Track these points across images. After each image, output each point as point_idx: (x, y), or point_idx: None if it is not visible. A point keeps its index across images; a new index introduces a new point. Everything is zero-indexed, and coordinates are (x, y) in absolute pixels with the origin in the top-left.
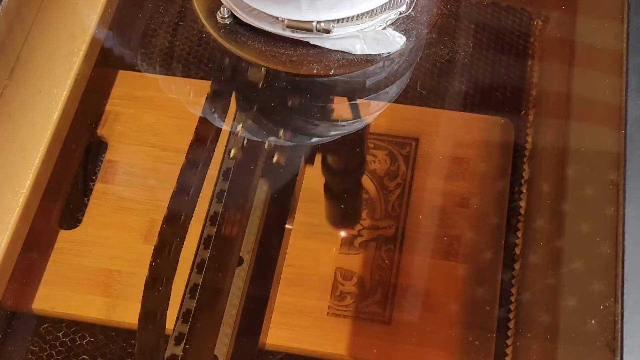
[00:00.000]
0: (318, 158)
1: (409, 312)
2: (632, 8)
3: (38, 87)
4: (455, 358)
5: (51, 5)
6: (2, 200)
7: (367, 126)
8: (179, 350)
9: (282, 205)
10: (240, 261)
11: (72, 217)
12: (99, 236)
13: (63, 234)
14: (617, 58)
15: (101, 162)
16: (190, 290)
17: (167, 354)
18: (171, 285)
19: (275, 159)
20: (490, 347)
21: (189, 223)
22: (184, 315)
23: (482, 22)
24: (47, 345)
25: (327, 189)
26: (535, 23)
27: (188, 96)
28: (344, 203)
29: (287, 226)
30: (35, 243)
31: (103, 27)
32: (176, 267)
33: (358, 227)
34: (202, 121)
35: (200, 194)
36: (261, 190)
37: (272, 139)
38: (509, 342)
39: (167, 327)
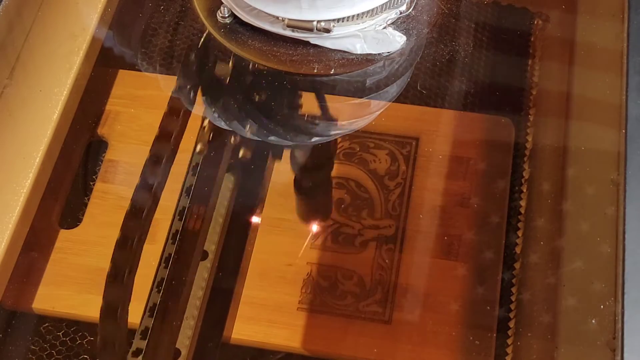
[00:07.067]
0: (287, 153)
1: (409, 312)
2: (633, 7)
3: (38, 86)
4: (455, 358)
5: (51, 5)
6: (2, 200)
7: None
8: (143, 344)
9: (249, 199)
10: (205, 255)
11: (72, 216)
12: (100, 235)
13: (63, 234)
14: (617, 57)
15: (101, 162)
16: (158, 285)
17: (133, 348)
18: (133, 279)
19: (243, 153)
20: (491, 346)
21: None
22: (150, 310)
23: (482, 21)
24: (48, 344)
25: (297, 184)
26: (535, 22)
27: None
28: (313, 198)
29: (255, 220)
30: (35, 242)
31: (103, 27)
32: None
33: (358, 226)
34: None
35: (171, 189)
36: (227, 184)
37: (272, 138)
38: (509, 341)
39: (134, 321)
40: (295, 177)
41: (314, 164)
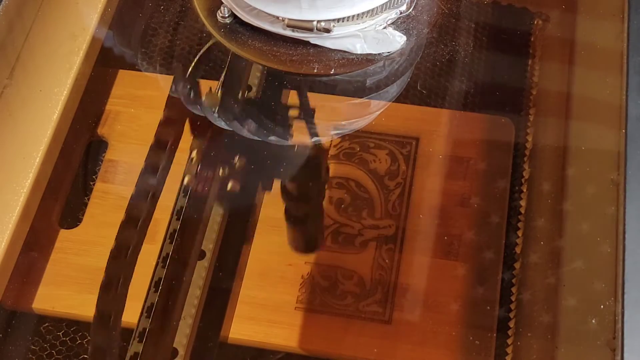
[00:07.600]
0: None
1: (409, 312)
2: (633, 7)
3: (38, 86)
4: (455, 357)
5: (51, 5)
6: (2, 200)
7: (327, 150)
8: (140, 345)
9: (247, 198)
10: (203, 254)
11: (72, 216)
12: (100, 235)
13: (63, 233)
14: (617, 57)
15: (101, 162)
16: (155, 284)
17: (130, 352)
18: (127, 287)
19: (242, 153)
20: (491, 346)
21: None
22: (148, 309)
23: (482, 21)
24: (48, 344)
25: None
26: (535, 22)
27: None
28: (305, 228)
29: (253, 220)
30: (35, 242)
31: (103, 27)
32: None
33: (358, 226)
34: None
35: (169, 189)
36: (225, 184)
37: (272, 138)
38: (509, 341)
39: (131, 321)
40: (285, 207)
41: (305, 195)
